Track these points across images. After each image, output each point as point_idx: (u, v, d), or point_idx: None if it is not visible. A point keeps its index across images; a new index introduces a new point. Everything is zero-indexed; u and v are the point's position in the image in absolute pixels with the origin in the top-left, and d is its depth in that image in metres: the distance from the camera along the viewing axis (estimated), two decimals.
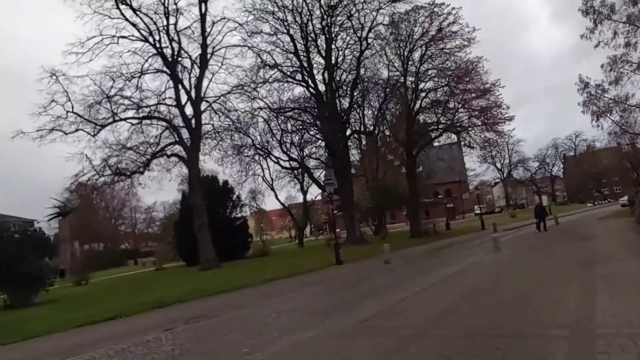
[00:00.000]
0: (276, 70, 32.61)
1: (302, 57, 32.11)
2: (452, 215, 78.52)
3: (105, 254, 54.26)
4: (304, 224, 47.47)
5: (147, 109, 25.37)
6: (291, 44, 31.91)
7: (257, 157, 38.43)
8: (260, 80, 31.87)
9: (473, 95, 31.49)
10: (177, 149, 26.46)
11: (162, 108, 26.69)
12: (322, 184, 38.96)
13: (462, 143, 34.06)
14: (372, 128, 36.33)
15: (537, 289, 8.00)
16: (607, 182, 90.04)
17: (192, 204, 26.34)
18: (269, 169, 43.58)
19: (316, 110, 33.65)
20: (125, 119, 24.50)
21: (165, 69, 25.54)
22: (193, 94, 26.25)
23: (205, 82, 26.99)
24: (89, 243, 59.67)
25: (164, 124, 25.75)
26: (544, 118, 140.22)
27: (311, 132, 36.85)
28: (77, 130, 23.86)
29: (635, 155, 52.24)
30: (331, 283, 12.99)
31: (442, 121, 33.75)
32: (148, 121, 25.75)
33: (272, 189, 45.58)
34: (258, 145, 37.27)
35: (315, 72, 33.15)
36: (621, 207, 43.95)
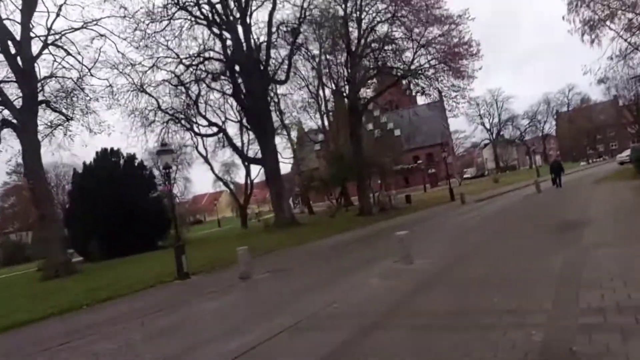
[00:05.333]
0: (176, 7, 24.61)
1: None
2: (434, 182, 71.64)
3: (26, 245, 47.05)
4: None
5: None
6: None
7: (170, 124, 30.26)
8: (151, 21, 23.96)
9: (435, 32, 23.89)
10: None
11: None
12: (244, 152, 31.77)
13: (416, 90, 26.41)
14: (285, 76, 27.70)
15: None
16: (602, 139, 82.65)
17: (31, 190, 19.03)
18: (203, 139, 36.01)
19: (228, 56, 25.70)
20: None
21: None
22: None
23: (50, 18, 19.32)
24: (22, 232, 52.59)
25: None
26: (547, 75, 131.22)
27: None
28: None
29: (636, 105, 44.77)
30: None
31: (395, 65, 26.11)
32: None
33: (207, 162, 38.35)
34: (169, 110, 29.08)
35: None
36: (619, 165, 37.59)
